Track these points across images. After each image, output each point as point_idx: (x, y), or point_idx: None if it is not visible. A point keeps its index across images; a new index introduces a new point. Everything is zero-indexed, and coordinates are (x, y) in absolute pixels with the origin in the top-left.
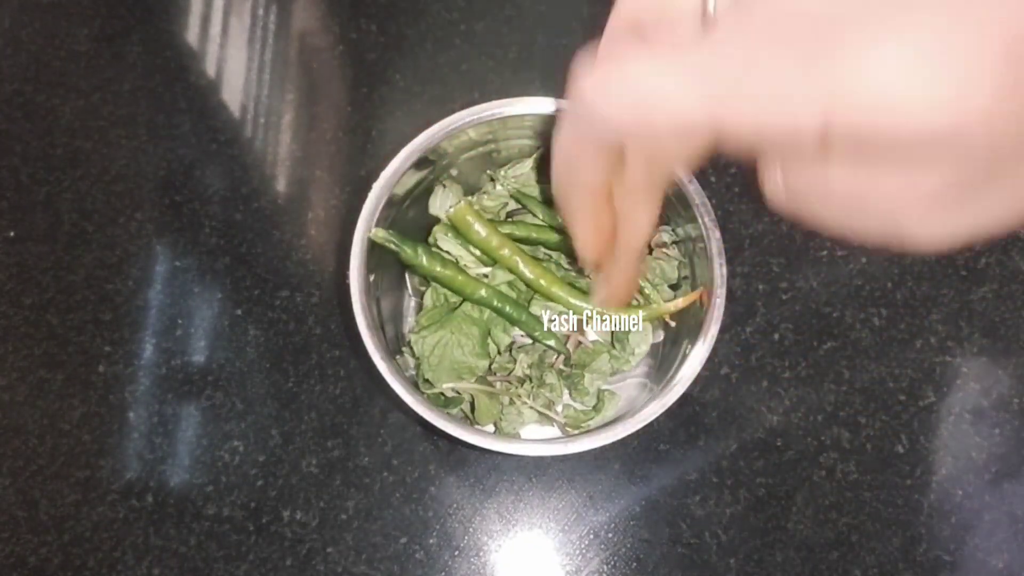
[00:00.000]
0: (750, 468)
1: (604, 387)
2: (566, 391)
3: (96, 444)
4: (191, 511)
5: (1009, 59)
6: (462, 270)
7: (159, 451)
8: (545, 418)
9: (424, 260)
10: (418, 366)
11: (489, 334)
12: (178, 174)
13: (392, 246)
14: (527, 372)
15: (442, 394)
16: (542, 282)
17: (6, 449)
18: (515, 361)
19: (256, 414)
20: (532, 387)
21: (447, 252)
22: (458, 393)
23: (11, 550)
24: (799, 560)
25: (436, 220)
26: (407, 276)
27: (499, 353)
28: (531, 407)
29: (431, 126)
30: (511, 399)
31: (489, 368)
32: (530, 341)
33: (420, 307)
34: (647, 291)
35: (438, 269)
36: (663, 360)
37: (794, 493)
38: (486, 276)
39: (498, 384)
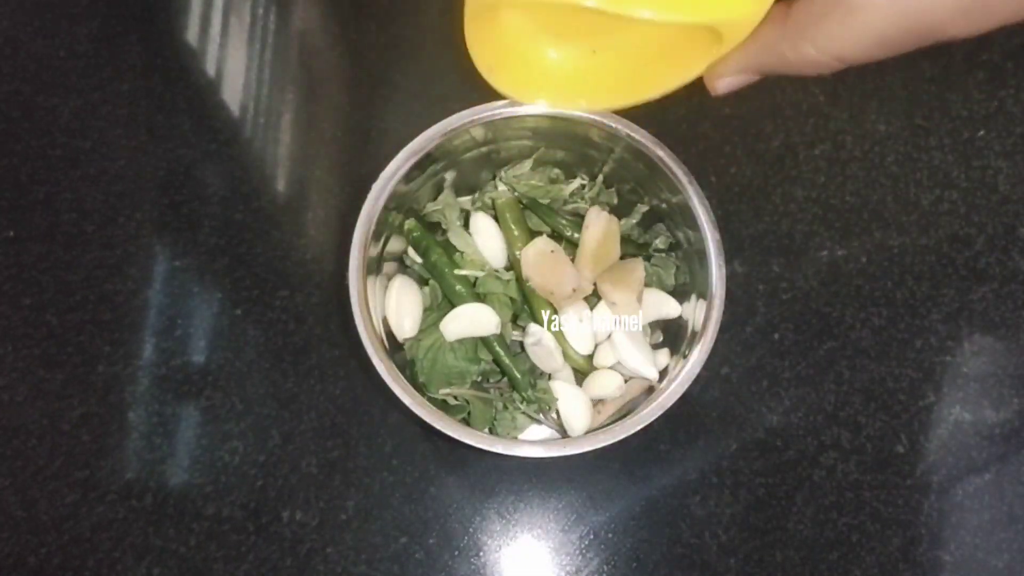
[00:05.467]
0: (750, 468)
1: None
2: None
3: (95, 444)
4: (191, 511)
5: None
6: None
7: (158, 451)
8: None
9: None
10: (413, 370)
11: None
12: (178, 174)
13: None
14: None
15: (444, 401)
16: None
17: (6, 449)
18: None
19: (256, 414)
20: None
21: (452, 247)
22: (458, 400)
23: (11, 550)
24: (799, 560)
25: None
26: None
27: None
28: (524, 412)
29: (431, 126)
30: (504, 404)
31: (482, 373)
32: (520, 349)
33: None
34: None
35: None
36: None
37: (794, 493)
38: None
39: (492, 390)
